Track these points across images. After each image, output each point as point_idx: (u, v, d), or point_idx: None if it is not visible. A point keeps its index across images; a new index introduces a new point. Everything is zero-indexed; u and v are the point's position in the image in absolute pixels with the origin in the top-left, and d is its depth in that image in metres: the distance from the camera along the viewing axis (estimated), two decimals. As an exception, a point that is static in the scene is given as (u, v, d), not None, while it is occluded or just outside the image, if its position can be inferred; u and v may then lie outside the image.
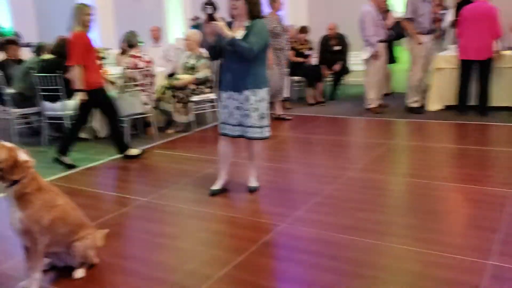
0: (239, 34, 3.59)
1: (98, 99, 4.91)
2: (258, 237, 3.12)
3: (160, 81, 6.36)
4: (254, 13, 3.59)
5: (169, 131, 6.25)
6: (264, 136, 3.78)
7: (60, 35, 6.07)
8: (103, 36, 11.84)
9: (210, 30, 3.56)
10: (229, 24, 3.71)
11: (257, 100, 3.67)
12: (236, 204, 3.79)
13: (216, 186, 3.97)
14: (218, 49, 3.65)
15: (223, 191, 3.97)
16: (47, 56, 5.63)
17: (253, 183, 4.00)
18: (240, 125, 3.73)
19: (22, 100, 5.84)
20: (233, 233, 3.27)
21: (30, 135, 6.43)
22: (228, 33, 3.50)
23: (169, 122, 6.36)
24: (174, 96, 6.09)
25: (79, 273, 2.72)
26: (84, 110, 4.94)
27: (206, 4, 3.40)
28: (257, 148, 3.91)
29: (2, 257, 3.01)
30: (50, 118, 5.75)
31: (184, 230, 3.34)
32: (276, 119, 6.59)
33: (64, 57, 5.51)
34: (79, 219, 2.73)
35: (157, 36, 7.73)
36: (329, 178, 4.21)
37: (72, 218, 2.66)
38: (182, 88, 6.10)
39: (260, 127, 3.73)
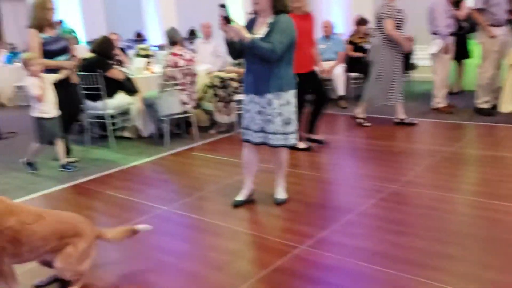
0: (261, 32, 3.23)
1: (309, 83, 4.84)
2: (271, 261, 2.75)
3: (204, 80, 6.12)
4: (278, 7, 3.21)
5: (211, 131, 6.01)
6: (289, 143, 3.40)
7: (107, 34, 6.03)
8: (164, 22, 11.79)
9: (227, 33, 3.24)
10: (252, 21, 3.36)
11: (281, 104, 3.30)
12: (257, 219, 3.44)
13: (240, 196, 3.64)
14: (238, 48, 3.30)
15: (247, 202, 3.64)
16: (88, 54, 5.59)
17: (280, 195, 3.63)
18: (262, 131, 3.38)
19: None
20: (245, 254, 2.93)
21: (78, 132, 6.47)
22: (246, 35, 3.15)
23: (212, 122, 6.13)
24: (215, 95, 5.84)
25: None
26: (300, 93, 4.81)
27: (220, 6, 3.07)
28: (283, 156, 3.53)
29: None
30: (97, 117, 5.72)
31: (194, 248, 3.05)
32: (398, 124, 5.93)
33: (104, 55, 5.48)
34: (49, 231, 2.41)
35: (208, 32, 7.52)
36: (369, 192, 3.74)
37: (40, 231, 2.37)
38: (224, 86, 5.82)
39: (284, 133, 3.35)
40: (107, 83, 5.36)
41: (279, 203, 3.58)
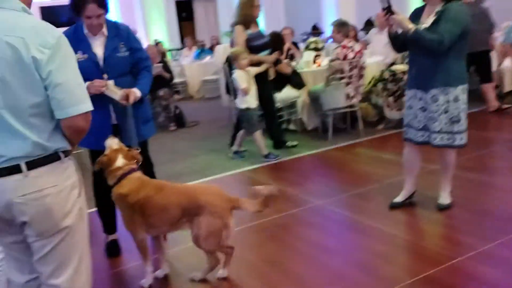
0: (428, 21, 2.99)
1: None
2: (422, 269, 2.56)
3: (374, 72, 5.94)
4: (448, -6, 2.92)
5: (379, 127, 5.82)
6: (456, 144, 3.08)
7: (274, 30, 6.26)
8: (341, 14, 11.65)
9: (388, 24, 3.08)
10: (419, 11, 3.13)
11: (447, 101, 3.01)
12: (414, 223, 3.22)
13: (399, 198, 3.45)
14: (402, 40, 3.11)
15: (406, 204, 3.43)
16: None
17: (443, 199, 3.33)
18: (425, 129, 3.14)
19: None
20: (395, 259, 2.78)
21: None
22: (409, 26, 2.95)
23: (381, 118, 5.92)
24: (385, 89, 5.61)
25: (221, 273, 2.67)
26: None
27: None
28: (449, 158, 3.22)
29: (128, 257, 3.05)
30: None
31: (342, 245, 3.00)
32: None
33: (273, 50, 5.68)
34: (166, 202, 2.52)
35: (382, 23, 7.23)
36: (554, 204, 3.20)
37: (159, 202, 2.51)
38: (395, 80, 5.56)
39: (450, 132, 3.05)
40: (276, 77, 5.57)
41: (442, 209, 3.29)
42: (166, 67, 7.35)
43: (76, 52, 2.73)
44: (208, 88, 9.95)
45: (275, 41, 5.74)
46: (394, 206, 3.42)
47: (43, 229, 1.65)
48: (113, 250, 3.11)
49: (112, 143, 2.56)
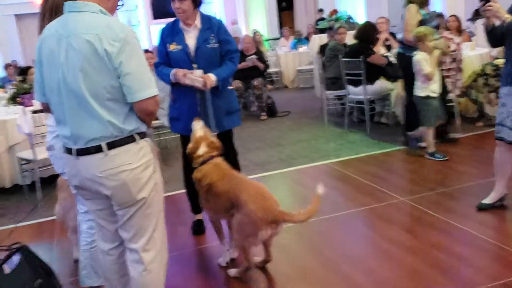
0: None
1: None
2: (503, 274, 2.46)
3: (476, 66, 5.61)
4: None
5: (478, 124, 5.50)
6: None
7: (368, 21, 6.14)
8: (448, 4, 10.95)
9: (485, 16, 2.92)
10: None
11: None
12: (501, 227, 3.06)
13: (487, 199, 3.29)
14: (499, 34, 2.94)
15: (496, 207, 3.27)
16: (352, 42, 5.81)
17: (537, 204, 3.12)
18: (520, 129, 2.95)
19: (332, 83, 6.27)
20: (475, 261, 2.67)
21: (342, 115, 6.83)
22: (505, 15, 2.78)
23: (481, 114, 5.59)
24: (486, 84, 5.28)
25: (232, 272, 2.74)
26: None
27: None
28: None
29: (211, 236, 3.14)
30: (357, 102, 5.93)
31: (421, 243, 2.94)
32: None
33: (366, 41, 5.61)
34: (219, 191, 2.62)
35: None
36: None
37: (215, 189, 2.63)
38: (498, 75, 5.21)
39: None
40: (369, 68, 5.48)
41: (535, 214, 3.09)
42: (261, 57, 7.52)
43: (171, 43, 2.98)
44: (303, 78, 10.02)
45: (368, 32, 5.65)
46: (482, 208, 3.28)
47: (122, 200, 1.91)
48: (198, 229, 3.34)
49: (197, 127, 2.73)
